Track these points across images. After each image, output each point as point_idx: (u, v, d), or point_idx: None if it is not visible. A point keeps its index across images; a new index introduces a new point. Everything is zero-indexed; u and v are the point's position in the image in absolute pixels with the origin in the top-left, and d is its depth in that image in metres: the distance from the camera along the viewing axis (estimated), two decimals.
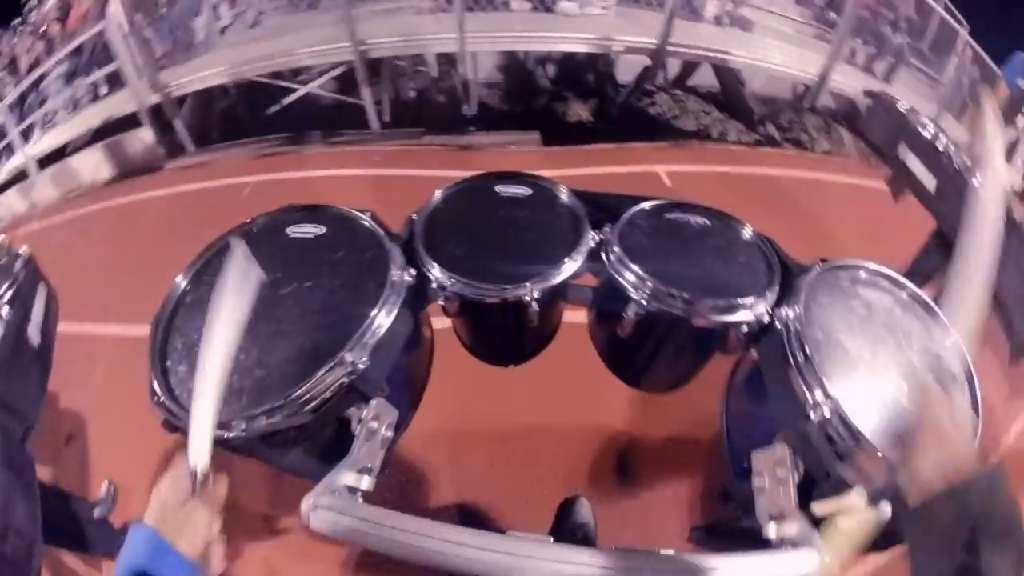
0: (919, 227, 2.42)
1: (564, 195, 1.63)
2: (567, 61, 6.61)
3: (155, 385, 1.19)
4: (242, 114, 6.36)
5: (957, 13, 7.59)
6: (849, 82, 5.99)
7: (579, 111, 6.23)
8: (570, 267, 1.43)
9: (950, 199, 2.18)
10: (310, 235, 1.45)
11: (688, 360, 1.59)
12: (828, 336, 1.27)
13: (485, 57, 6.29)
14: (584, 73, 6.65)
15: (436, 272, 1.39)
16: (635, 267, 1.40)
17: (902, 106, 2.67)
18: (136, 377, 1.23)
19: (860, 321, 1.31)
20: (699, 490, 2.60)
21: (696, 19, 6.03)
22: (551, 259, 1.43)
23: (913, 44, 7.88)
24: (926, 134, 2.40)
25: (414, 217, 1.52)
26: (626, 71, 6.30)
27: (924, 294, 1.37)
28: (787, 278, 1.43)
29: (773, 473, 1.17)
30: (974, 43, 6.51)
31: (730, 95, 6.66)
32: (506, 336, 1.67)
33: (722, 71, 6.58)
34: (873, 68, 6.48)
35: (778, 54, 6.07)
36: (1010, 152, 3.72)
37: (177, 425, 1.14)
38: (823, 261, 1.43)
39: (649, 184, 4.55)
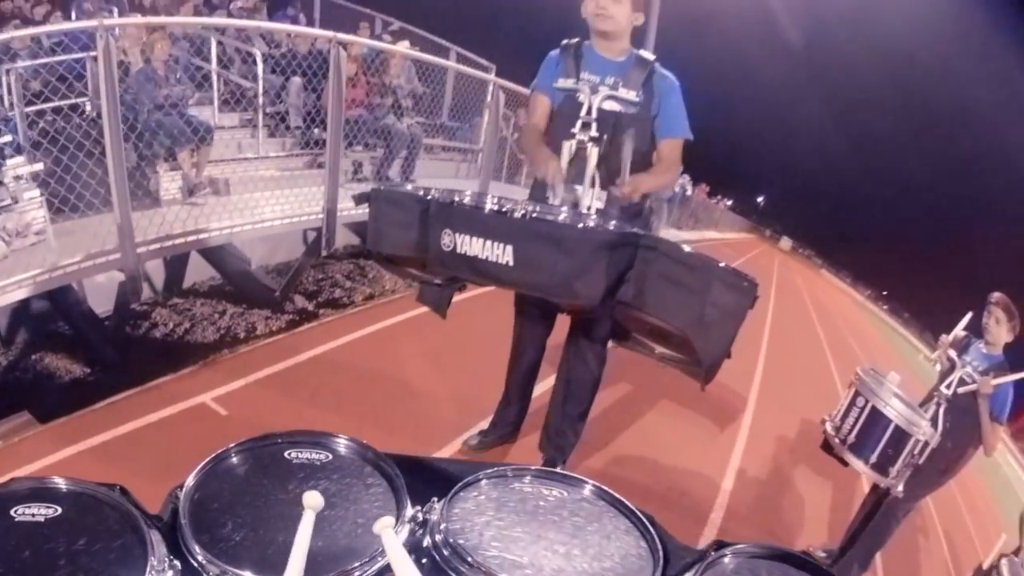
0: None
1: (376, 460, 1.49)
2: (20, 314, 5.51)
3: None
4: None
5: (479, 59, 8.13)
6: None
7: (68, 366, 5.21)
8: (384, 558, 1.22)
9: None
10: (41, 518, 1.21)
11: None
12: None
13: None
14: (48, 321, 5.62)
15: (207, 563, 1.18)
16: (471, 557, 1.23)
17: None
18: None
19: None
20: None
21: (155, 205, 5.43)
22: (357, 546, 1.26)
23: (427, 121, 8.27)
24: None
25: (178, 492, 1.32)
26: (103, 299, 5.46)
27: None
28: (671, 567, 1.33)
29: None
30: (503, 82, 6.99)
31: (237, 280, 6.15)
32: None
33: (216, 256, 6.03)
34: (386, 173, 6.55)
35: (272, 206, 5.74)
36: None
37: None
38: (717, 546, 1.34)
39: (205, 419, 4.00)
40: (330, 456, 1.48)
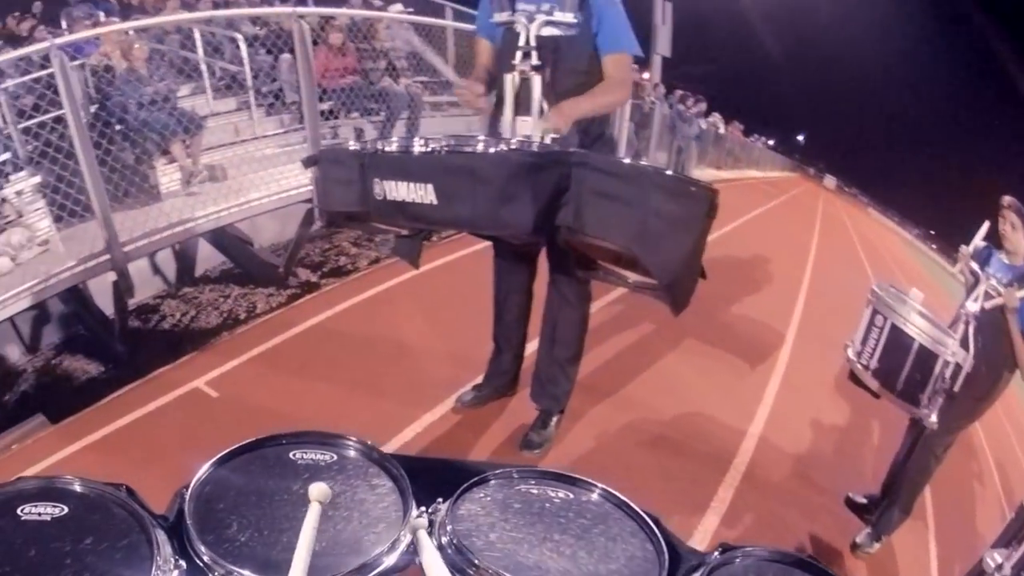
0: None
1: (381, 461, 1.47)
2: (38, 322, 5.74)
3: None
4: None
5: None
6: None
7: (85, 367, 5.37)
8: (388, 560, 1.23)
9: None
10: (47, 517, 1.20)
11: None
12: None
13: None
14: (68, 325, 5.81)
15: (213, 563, 1.17)
16: (477, 558, 1.21)
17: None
18: None
19: None
20: None
21: (154, 200, 5.55)
22: (362, 548, 1.24)
23: (431, 80, 8.36)
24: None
25: (184, 493, 1.31)
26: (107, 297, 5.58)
27: None
28: (677, 570, 1.31)
29: None
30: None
31: (242, 262, 6.23)
32: None
33: (220, 240, 6.12)
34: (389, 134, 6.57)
35: (269, 184, 5.84)
36: None
37: None
38: (723, 549, 1.31)
39: (196, 404, 4.07)
40: (335, 456, 1.47)
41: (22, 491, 1.25)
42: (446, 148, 2.43)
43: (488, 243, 3.70)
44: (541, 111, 2.97)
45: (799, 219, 18.87)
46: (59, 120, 5.32)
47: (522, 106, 3.03)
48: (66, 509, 1.23)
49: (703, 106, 15.31)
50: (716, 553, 1.32)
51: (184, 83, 6.72)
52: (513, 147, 2.46)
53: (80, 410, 4.24)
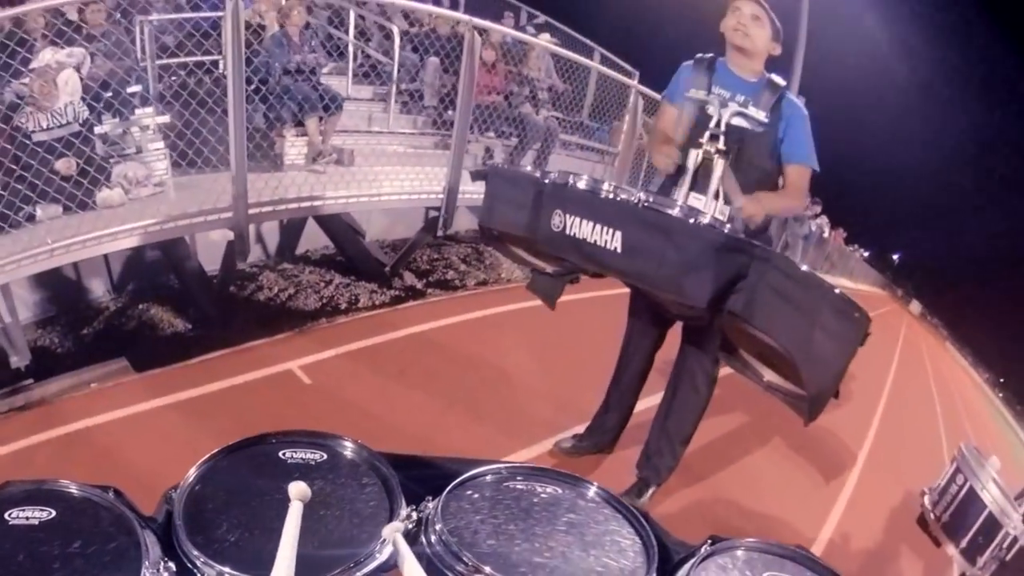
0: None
1: (370, 459, 1.48)
2: (131, 264, 5.59)
3: None
4: None
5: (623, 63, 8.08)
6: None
7: (172, 319, 5.20)
8: (379, 556, 1.24)
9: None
10: (35, 521, 1.21)
11: None
12: None
13: (20, 290, 4.97)
14: (160, 274, 5.67)
15: (202, 564, 1.18)
16: (466, 554, 1.23)
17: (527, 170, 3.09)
18: None
19: None
20: None
21: (277, 168, 5.39)
22: (354, 545, 1.26)
23: (565, 117, 8.14)
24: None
25: (172, 494, 1.31)
26: (215, 257, 5.43)
27: None
28: (666, 562, 1.33)
29: None
30: (645, 89, 6.83)
31: (349, 251, 6.07)
32: None
33: (331, 225, 5.95)
34: (518, 161, 6.46)
35: (393, 181, 5.64)
36: None
37: None
38: (713, 541, 1.31)
39: (288, 387, 3.99)
40: (325, 456, 1.49)
41: (10, 495, 1.26)
42: (644, 203, 2.44)
43: (611, 294, 3.70)
44: (716, 194, 2.98)
45: (882, 340, 18.51)
46: (199, 66, 5.26)
47: (699, 184, 3.03)
48: (54, 513, 1.24)
49: (818, 208, 15.12)
50: (706, 545, 1.33)
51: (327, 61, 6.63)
52: (707, 223, 2.48)
53: (164, 364, 4.17)
